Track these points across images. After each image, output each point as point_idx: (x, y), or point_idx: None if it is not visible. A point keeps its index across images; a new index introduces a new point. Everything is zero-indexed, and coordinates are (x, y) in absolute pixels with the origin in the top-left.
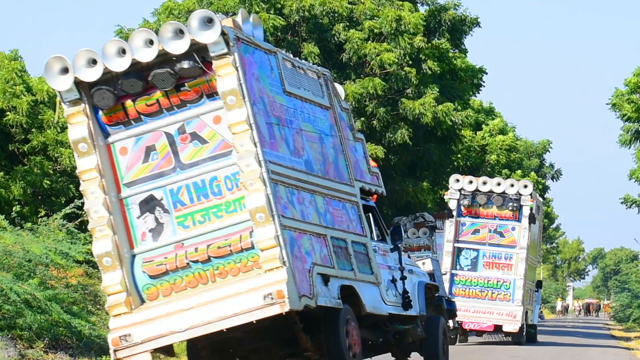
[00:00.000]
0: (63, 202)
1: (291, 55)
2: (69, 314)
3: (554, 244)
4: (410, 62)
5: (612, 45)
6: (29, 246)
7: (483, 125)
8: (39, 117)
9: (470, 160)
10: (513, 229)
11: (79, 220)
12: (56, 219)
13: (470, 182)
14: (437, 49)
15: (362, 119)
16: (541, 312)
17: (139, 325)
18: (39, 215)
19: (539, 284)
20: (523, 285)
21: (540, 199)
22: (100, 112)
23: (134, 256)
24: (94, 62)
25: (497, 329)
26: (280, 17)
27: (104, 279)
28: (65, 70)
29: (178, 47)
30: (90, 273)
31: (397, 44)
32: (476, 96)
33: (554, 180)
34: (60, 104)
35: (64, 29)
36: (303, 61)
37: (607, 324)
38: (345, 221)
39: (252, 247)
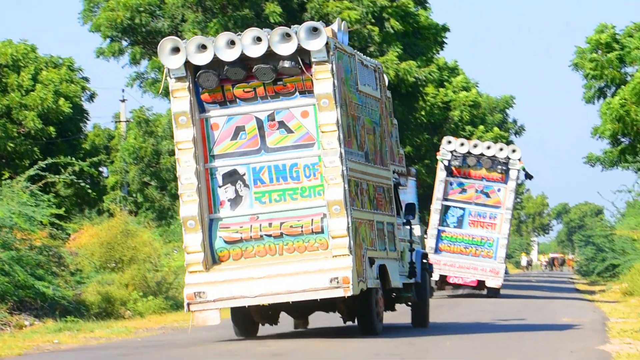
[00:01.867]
0: (27, 164)
1: (360, 54)
2: (33, 276)
3: (518, 200)
4: (373, 21)
5: (576, 3)
6: None
7: (446, 83)
8: (3, 80)
9: (433, 117)
10: (499, 190)
11: (43, 182)
12: (20, 181)
13: (462, 144)
14: (400, 7)
15: None
16: (506, 267)
17: (213, 285)
18: (2, 178)
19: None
20: (506, 244)
21: None
22: (201, 90)
23: (211, 220)
24: (204, 47)
25: (480, 284)
26: None
27: (185, 239)
28: (175, 50)
29: (286, 49)
30: (55, 235)
31: (359, 2)
32: (439, 54)
33: (517, 135)
34: (166, 77)
35: None
36: (366, 57)
37: (571, 278)
38: (383, 204)
39: (322, 232)
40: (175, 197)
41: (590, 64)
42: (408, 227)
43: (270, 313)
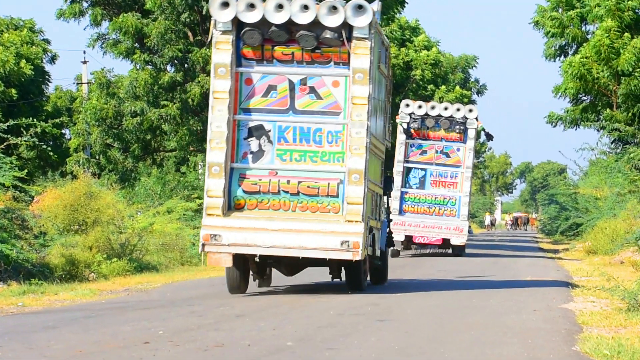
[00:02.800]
0: None
1: (383, 32)
2: None
3: (481, 159)
4: None
5: None
6: None
7: (407, 43)
8: None
9: (395, 77)
10: (458, 149)
11: (5, 144)
12: None
13: (420, 106)
14: None
15: None
16: (470, 226)
17: (229, 230)
18: None
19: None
20: (468, 202)
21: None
22: (242, 45)
23: (232, 169)
24: (252, 6)
25: (445, 242)
26: None
27: (208, 183)
28: (225, 5)
29: (332, 21)
30: (18, 197)
31: None
32: (400, 13)
33: (479, 95)
34: (212, 28)
35: None
36: (384, 36)
37: (535, 237)
38: (379, 176)
39: (336, 196)
40: (137, 159)
41: (551, 22)
42: (385, 197)
43: (265, 267)
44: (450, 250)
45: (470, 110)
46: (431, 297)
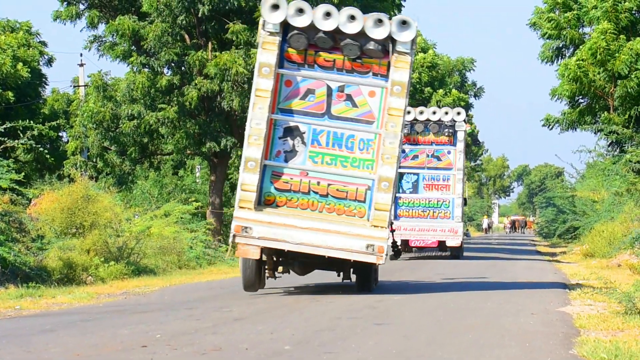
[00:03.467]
0: None
1: None
2: None
3: (479, 162)
4: None
5: None
6: None
7: None
8: None
9: None
10: (449, 152)
11: (2, 147)
12: None
13: (408, 112)
14: None
15: None
16: (467, 230)
17: (260, 224)
18: None
19: (464, 202)
20: (461, 204)
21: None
22: (286, 47)
23: (265, 166)
24: (301, 11)
25: (441, 245)
26: None
27: (243, 177)
28: (275, 7)
29: (378, 33)
30: (15, 200)
31: None
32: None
33: (477, 97)
34: (261, 28)
35: None
36: None
37: (532, 240)
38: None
39: (363, 201)
40: (135, 162)
41: (548, 23)
42: None
43: (279, 265)
44: (449, 253)
45: (459, 113)
46: (429, 299)
